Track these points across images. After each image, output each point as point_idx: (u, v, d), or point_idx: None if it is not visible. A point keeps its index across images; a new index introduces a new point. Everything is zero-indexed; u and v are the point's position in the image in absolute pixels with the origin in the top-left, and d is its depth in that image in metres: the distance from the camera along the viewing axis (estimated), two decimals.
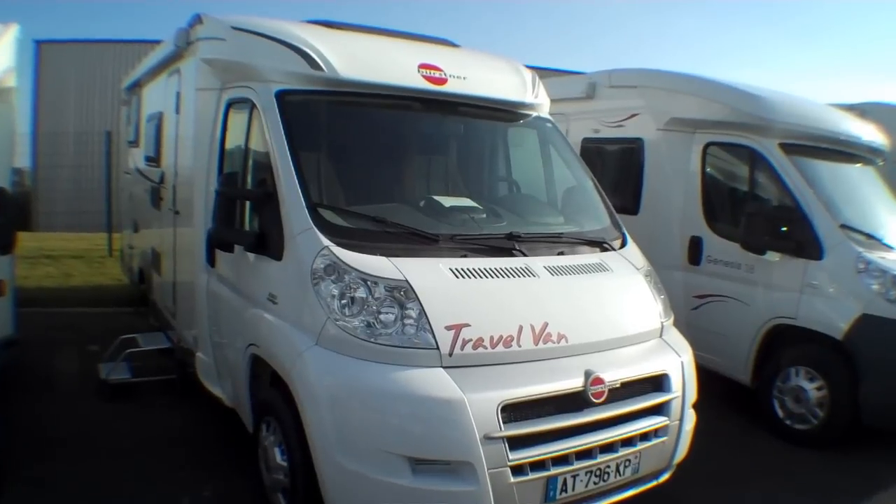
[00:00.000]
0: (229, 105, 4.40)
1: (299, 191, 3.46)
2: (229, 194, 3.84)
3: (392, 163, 4.31)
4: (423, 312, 3.12)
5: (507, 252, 3.66)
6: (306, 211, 3.41)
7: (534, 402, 3.12)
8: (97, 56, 19.11)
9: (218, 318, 4.43)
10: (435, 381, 3.01)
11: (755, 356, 5.75)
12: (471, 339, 3.13)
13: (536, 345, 3.28)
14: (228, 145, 4.42)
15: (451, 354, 3.09)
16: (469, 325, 3.16)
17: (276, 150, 3.64)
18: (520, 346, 3.24)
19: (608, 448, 3.30)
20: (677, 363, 3.76)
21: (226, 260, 4.18)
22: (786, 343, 5.57)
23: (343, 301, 3.17)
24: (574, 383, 3.23)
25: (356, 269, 3.21)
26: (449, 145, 4.73)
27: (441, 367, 3.07)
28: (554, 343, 3.33)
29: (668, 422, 3.60)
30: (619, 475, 3.37)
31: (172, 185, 5.44)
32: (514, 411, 3.06)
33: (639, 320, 3.84)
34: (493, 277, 3.42)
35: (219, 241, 3.88)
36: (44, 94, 18.84)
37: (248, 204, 3.93)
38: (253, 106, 3.99)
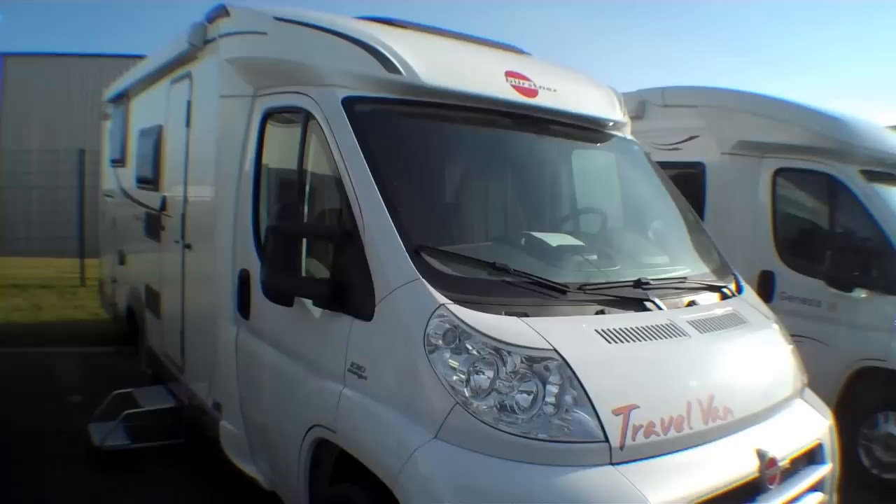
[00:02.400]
0: (267, 115, 3.64)
1: (394, 229, 2.68)
2: (290, 232, 3.01)
3: (481, 191, 3.59)
4: (583, 393, 2.38)
5: (640, 304, 2.96)
6: (407, 256, 2.63)
7: (715, 497, 2.48)
8: (64, 70, 18.28)
9: (256, 385, 3.58)
10: (612, 486, 2.29)
11: (837, 401, 5.19)
12: (641, 425, 2.42)
13: (706, 423, 2.62)
14: (267, 166, 3.65)
15: (622, 447, 2.36)
16: (637, 407, 2.44)
17: (352, 174, 2.86)
18: (691, 428, 2.56)
19: None
20: (826, 428, 3.24)
21: (270, 311, 3.32)
22: (873, 387, 5.12)
23: (466, 377, 2.40)
24: (750, 468, 2.64)
25: (486, 335, 2.44)
26: (537, 169, 3.98)
27: (610, 464, 2.35)
28: (721, 419, 2.68)
29: (824, 498, 3.04)
30: None
31: (181, 213, 4.65)
32: None
33: (786, 381, 3.26)
34: (644, 340, 2.71)
35: (276, 292, 3.03)
36: (8, 109, 17.76)
37: (303, 243, 3.07)
38: (308, 116, 3.22)
